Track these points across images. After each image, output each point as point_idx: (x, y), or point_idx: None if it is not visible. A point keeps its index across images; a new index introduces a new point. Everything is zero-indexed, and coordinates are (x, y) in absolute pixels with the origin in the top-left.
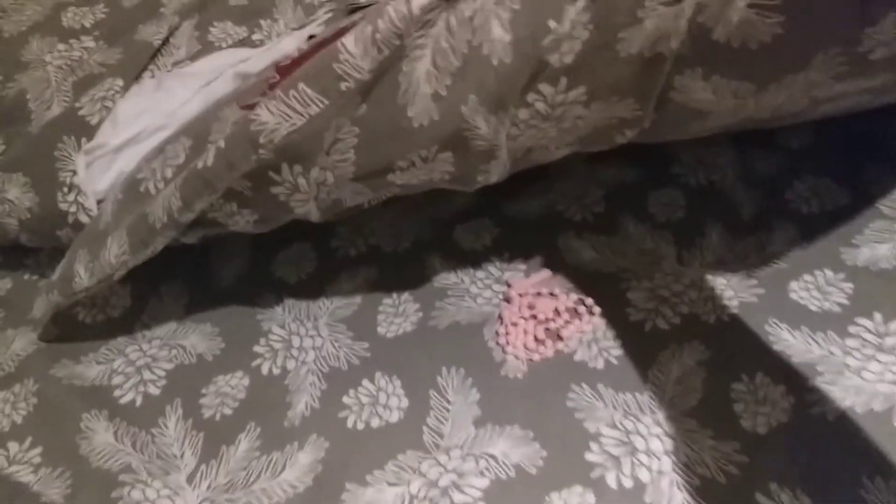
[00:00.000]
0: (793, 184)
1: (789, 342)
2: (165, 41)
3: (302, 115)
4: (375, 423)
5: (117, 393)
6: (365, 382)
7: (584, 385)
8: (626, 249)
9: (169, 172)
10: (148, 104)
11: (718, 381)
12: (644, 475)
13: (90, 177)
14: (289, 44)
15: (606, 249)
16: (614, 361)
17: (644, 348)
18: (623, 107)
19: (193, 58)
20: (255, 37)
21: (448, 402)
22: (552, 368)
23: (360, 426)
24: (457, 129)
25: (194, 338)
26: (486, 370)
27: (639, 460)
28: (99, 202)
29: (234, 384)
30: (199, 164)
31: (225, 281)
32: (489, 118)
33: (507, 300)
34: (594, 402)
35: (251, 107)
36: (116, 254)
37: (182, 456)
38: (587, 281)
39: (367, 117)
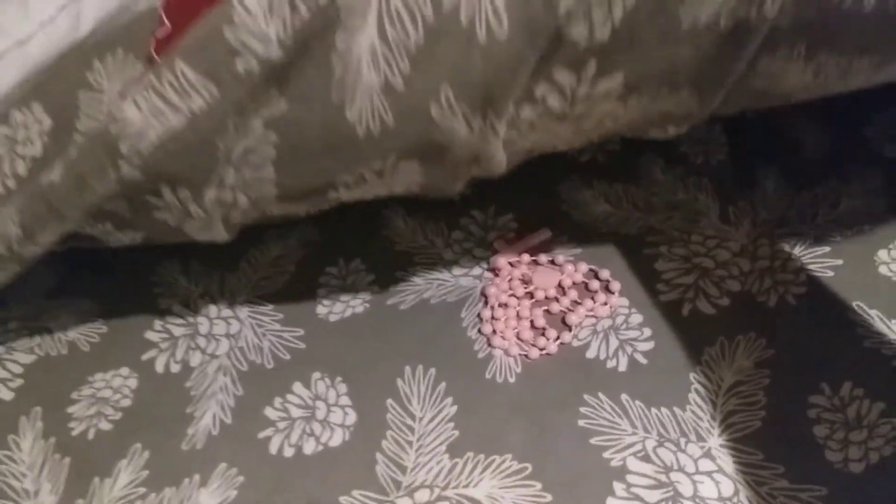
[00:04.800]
0: (873, 118)
1: (885, 336)
2: None
3: (181, 112)
4: (309, 447)
5: None
6: (297, 387)
7: (602, 395)
8: (653, 202)
9: (21, 168)
10: None
11: (789, 392)
12: None
13: None
14: None
15: (625, 202)
16: (642, 360)
17: (682, 342)
18: (674, 100)
19: None
20: None
21: (412, 417)
22: (556, 370)
23: (289, 452)
24: (423, 135)
25: (65, 319)
26: (466, 371)
27: None
28: None
29: (116, 386)
30: (44, 178)
31: None
32: (473, 120)
33: (494, 272)
34: (616, 421)
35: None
36: None
37: (37, 494)
38: (601, 245)
39: (288, 119)
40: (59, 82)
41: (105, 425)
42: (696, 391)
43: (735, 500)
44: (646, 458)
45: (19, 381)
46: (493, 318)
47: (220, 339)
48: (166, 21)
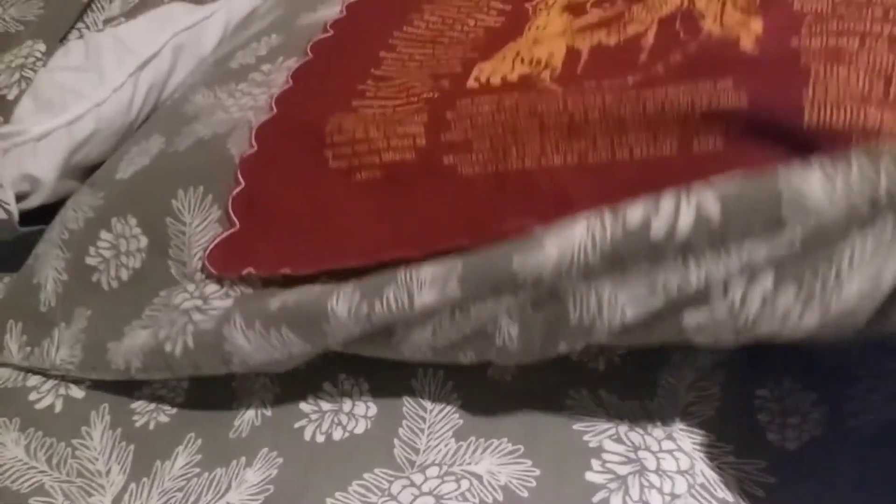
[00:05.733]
0: None
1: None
2: None
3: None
4: (338, 434)
5: (33, 396)
6: (326, 386)
7: (584, 390)
8: None
9: (124, 275)
10: (73, 82)
11: (739, 386)
12: (655, 499)
13: (5, 167)
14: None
15: None
16: (617, 361)
17: (653, 347)
18: None
19: (129, 15)
20: None
21: (424, 409)
22: (545, 370)
23: (320, 438)
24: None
25: None
26: (469, 371)
27: (648, 481)
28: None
29: (171, 386)
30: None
31: None
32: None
33: None
34: (595, 410)
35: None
36: (63, 359)
37: (108, 473)
38: None
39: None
40: (149, 202)
41: (163, 418)
42: (663, 387)
43: (691, 472)
44: (618, 440)
45: (88, 383)
46: None
47: None
48: (242, 181)
